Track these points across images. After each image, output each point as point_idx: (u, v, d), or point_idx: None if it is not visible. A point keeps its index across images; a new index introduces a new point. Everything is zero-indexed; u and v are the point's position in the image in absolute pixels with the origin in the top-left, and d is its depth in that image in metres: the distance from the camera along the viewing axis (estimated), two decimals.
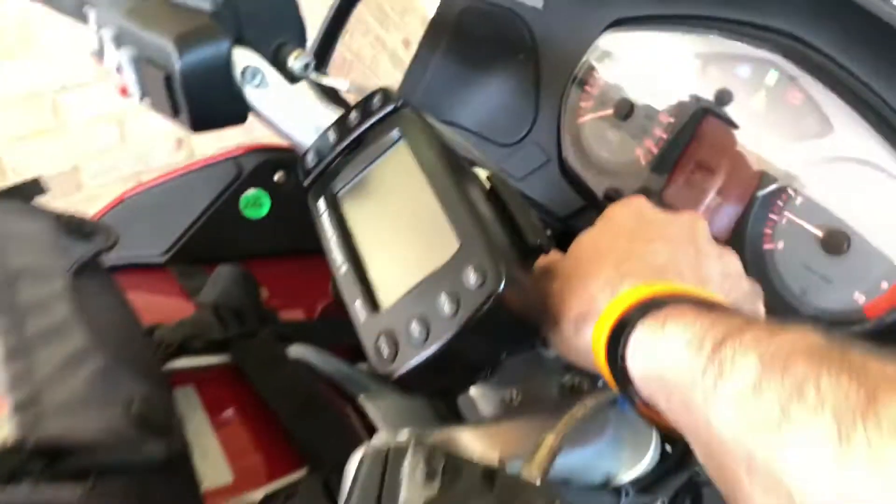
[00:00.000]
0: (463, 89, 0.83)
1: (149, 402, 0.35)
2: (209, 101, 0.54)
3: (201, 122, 0.55)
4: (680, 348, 0.33)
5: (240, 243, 0.82)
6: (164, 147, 2.02)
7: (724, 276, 0.42)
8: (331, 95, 0.91)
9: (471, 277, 0.38)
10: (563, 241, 0.50)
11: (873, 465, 0.25)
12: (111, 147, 1.93)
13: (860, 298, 0.53)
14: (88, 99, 1.85)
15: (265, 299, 0.81)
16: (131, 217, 0.83)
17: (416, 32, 0.92)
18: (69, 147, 1.87)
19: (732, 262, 0.43)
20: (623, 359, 0.36)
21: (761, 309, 0.43)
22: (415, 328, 0.39)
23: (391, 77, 0.96)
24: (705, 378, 0.31)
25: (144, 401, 0.34)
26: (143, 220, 0.82)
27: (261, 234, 0.82)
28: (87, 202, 1.94)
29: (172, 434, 0.38)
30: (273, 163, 0.80)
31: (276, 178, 0.80)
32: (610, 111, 0.70)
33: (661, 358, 0.34)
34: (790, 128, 0.58)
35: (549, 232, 0.79)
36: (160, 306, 0.73)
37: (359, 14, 1.01)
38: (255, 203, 0.81)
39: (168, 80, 0.52)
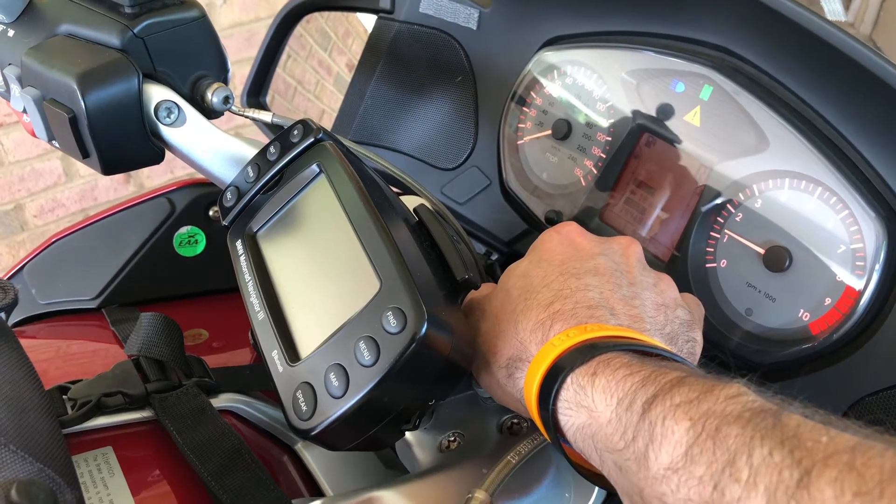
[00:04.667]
0: (402, 114, 0.81)
1: (28, 490, 0.31)
2: (120, 141, 0.51)
3: (113, 164, 0.52)
4: (610, 408, 0.32)
5: (176, 282, 0.79)
6: (111, 181, 1.96)
7: (658, 306, 0.40)
8: (273, 128, 0.88)
9: (391, 321, 0.36)
10: (509, 265, 0.48)
11: None
12: (55, 184, 1.87)
13: (805, 316, 0.52)
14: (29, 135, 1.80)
15: (203, 341, 0.78)
16: (62, 260, 0.80)
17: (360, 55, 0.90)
18: (11, 185, 1.81)
19: (668, 289, 0.42)
20: (554, 412, 0.34)
21: (699, 338, 0.41)
22: (333, 379, 0.36)
23: (337, 102, 0.93)
24: (636, 443, 0.30)
25: (23, 488, 0.31)
26: (74, 263, 0.79)
27: (197, 272, 0.79)
28: (33, 242, 1.88)
29: None
30: (207, 198, 0.77)
31: (210, 213, 0.77)
32: (548, 132, 0.68)
33: (593, 416, 0.33)
34: (727, 143, 0.57)
35: (494, 257, 0.77)
36: (89, 356, 0.69)
37: (300, 39, 0.98)
38: (190, 240, 0.78)
39: (73, 121, 0.49)
